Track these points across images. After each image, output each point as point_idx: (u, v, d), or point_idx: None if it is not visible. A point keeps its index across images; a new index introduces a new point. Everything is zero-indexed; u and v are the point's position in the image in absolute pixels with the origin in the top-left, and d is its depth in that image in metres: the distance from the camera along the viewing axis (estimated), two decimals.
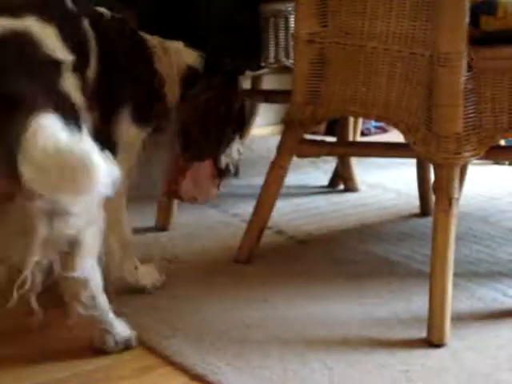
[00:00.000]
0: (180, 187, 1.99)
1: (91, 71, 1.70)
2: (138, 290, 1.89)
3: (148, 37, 1.92)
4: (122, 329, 1.67)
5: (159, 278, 1.94)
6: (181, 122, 1.94)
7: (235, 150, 2.07)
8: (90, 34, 1.70)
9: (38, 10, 1.55)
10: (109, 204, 1.79)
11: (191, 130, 1.93)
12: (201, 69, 1.97)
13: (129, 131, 1.82)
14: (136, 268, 1.90)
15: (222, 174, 2.05)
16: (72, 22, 1.68)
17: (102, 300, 1.62)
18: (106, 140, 1.77)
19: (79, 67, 1.64)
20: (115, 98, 1.79)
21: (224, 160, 2.04)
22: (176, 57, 1.94)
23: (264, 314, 1.81)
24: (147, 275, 1.92)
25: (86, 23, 1.70)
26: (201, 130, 1.93)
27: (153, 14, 2.27)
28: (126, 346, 1.67)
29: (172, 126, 1.95)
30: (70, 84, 1.56)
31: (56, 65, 1.54)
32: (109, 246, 1.82)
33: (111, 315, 1.65)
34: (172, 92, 1.93)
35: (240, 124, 2.08)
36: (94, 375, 1.58)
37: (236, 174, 2.14)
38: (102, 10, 1.82)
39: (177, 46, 1.97)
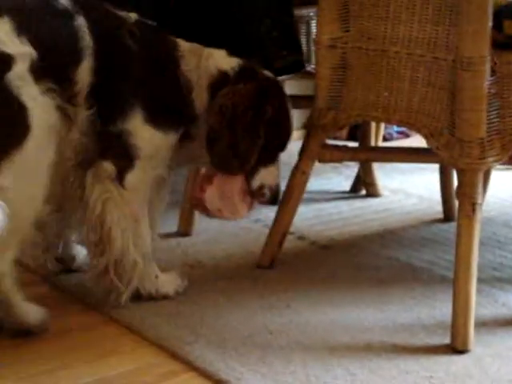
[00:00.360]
0: (204, 195, 1.89)
1: (84, 68, 1.70)
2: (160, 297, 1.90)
3: (181, 42, 1.88)
4: (32, 310, 1.69)
5: (181, 283, 1.94)
6: (208, 127, 1.86)
7: (274, 175, 1.93)
8: (85, 32, 1.69)
9: None
10: (130, 216, 1.80)
11: (217, 136, 1.84)
12: (234, 74, 1.88)
13: (148, 135, 1.78)
14: (156, 277, 1.89)
15: (253, 195, 1.91)
16: (54, 17, 1.68)
17: (6, 283, 1.64)
18: (122, 141, 1.77)
19: (58, 62, 1.64)
20: (120, 97, 1.76)
21: (257, 181, 1.91)
22: (206, 62, 1.88)
23: (287, 320, 1.81)
24: (168, 283, 1.91)
25: (81, 21, 1.69)
26: (227, 137, 1.83)
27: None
28: (40, 327, 1.70)
29: (201, 132, 1.88)
30: (21, 78, 1.56)
31: (2, 59, 1.54)
32: (131, 257, 1.82)
33: (19, 297, 1.67)
34: (200, 98, 1.88)
35: (280, 140, 1.92)
36: (117, 381, 1.58)
37: (274, 201, 1.96)
38: (127, 14, 1.82)
39: (211, 51, 1.90)
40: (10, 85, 1.55)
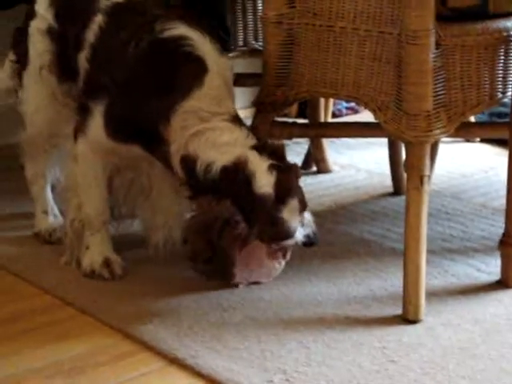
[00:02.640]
0: (235, 279, 1.82)
1: (82, 56, 1.91)
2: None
3: (203, 90, 1.78)
4: None
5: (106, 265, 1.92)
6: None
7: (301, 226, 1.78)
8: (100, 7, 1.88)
9: None
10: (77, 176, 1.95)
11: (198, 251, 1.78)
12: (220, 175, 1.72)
13: (98, 130, 1.84)
14: (87, 248, 1.93)
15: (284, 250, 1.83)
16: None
17: None
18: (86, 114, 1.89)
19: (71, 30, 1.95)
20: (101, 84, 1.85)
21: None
22: (201, 135, 1.76)
23: (240, 297, 1.82)
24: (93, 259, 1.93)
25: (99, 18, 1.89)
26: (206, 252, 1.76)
27: None
28: None
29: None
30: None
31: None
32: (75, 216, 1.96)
33: None
34: (176, 159, 1.77)
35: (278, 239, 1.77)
36: (71, 363, 1.57)
37: (313, 242, 1.82)
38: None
39: (220, 127, 1.78)
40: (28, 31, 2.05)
